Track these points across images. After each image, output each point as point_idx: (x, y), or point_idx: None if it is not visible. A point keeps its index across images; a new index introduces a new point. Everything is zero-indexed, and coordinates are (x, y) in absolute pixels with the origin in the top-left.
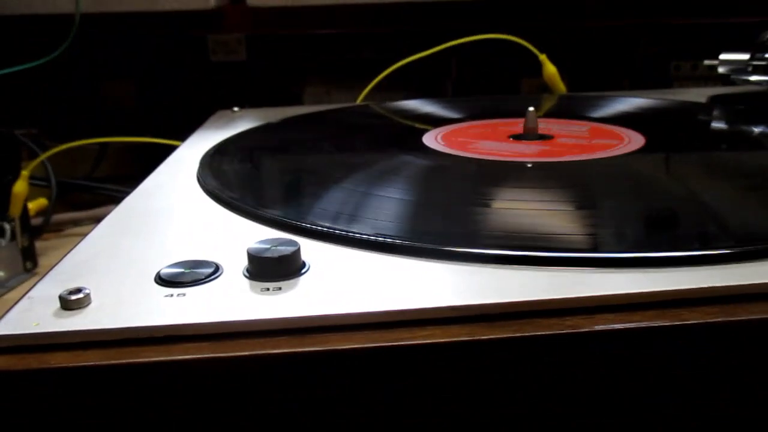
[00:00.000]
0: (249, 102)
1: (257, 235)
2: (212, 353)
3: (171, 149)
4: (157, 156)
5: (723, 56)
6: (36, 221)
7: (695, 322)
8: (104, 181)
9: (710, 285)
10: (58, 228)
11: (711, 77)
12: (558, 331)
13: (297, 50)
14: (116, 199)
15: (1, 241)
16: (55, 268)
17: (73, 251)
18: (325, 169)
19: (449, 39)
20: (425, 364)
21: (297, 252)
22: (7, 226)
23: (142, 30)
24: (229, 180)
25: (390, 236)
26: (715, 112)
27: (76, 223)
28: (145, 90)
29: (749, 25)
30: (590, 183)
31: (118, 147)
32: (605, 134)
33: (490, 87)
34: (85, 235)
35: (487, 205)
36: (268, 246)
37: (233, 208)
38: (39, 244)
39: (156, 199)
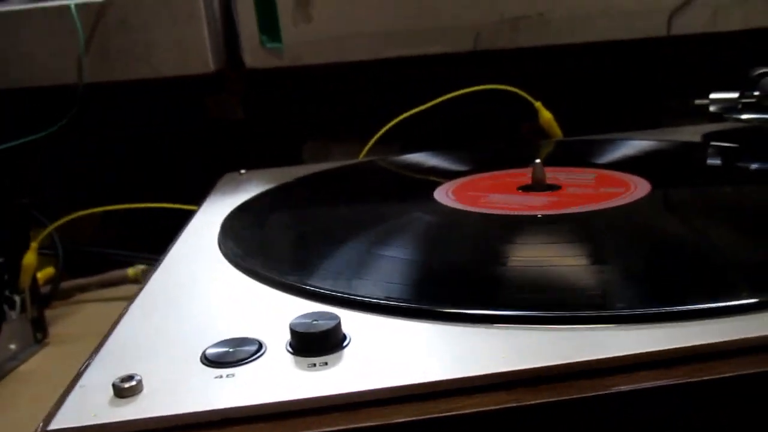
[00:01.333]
0: (249, 161)
1: (286, 305)
2: None
3: (175, 212)
4: (161, 218)
5: (713, 95)
6: (44, 289)
7: (732, 374)
8: (109, 246)
9: (755, 335)
10: (66, 295)
11: (699, 113)
12: (598, 392)
13: (294, 107)
14: (123, 263)
15: (11, 313)
16: (101, 352)
17: (115, 333)
18: (347, 234)
19: (445, 88)
20: None
21: (339, 325)
22: (17, 299)
23: (141, 95)
24: (248, 250)
25: (423, 303)
26: (712, 151)
27: (83, 289)
28: (144, 153)
29: (737, 62)
30: (603, 235)
31: (121, 211)
32: (611, 181)
33: (486, 134)
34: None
35: (510, 264)
36: (310, 320)
37: (261, 278)
38: (48, 313)
39: (183, 273)
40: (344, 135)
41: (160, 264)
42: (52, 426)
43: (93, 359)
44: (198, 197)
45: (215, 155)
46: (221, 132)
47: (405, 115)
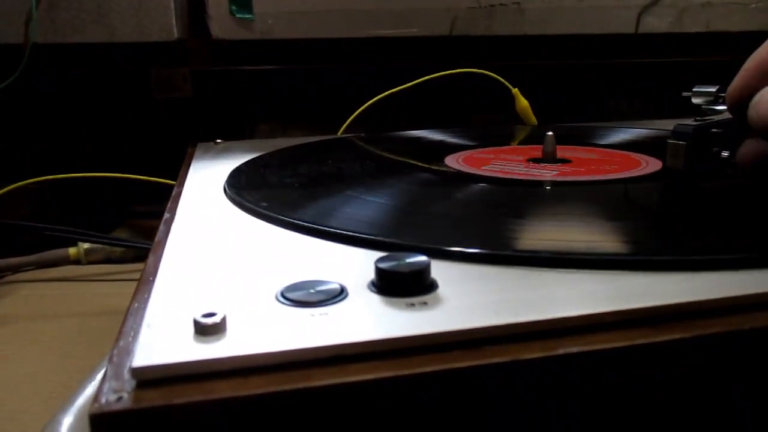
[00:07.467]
0: (197, 139)
1: (340, 253)
2: (392, 372)
3: (122, 185)
4: (100, 193)
5: (696, 88)
6: None
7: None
8: (49, 222)
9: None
10: None
11: (645, 112)
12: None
13: (247, 85)
14: (64, 241)
15: None
16: (153, 293)
17: (160, 275)
18: (385, 190)
19: (420, 71)
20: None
21: (429, 266)
22: None
23: (91, 61)
24: (278, 204)
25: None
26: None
27: (16, 269)
28: (85, 127)
29: (682, 64)
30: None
31: (63, 184)
32: (620, 159)
33: (441, 120)
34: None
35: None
36: (397, 261)
37: (303, 230)
38: None
39: (203, 225)
40: (300, 116)
41: (172, 218)
42: (137, 363)
43: (145, 301)
44: (144, 169)
45: (159, 129)
46: (168, 107)
47: (381, 95)
